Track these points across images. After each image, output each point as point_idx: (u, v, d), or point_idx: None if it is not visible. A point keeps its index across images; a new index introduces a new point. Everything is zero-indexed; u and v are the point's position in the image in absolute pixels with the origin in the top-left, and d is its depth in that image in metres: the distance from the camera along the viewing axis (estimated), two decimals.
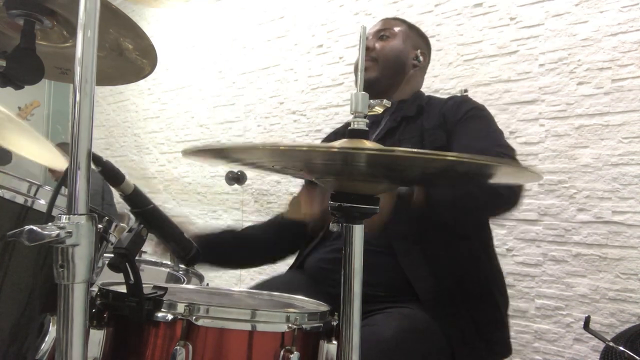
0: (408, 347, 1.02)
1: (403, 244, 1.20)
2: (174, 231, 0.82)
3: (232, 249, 1.44)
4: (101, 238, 0.88)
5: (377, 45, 1.44)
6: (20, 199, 0.83)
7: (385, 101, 0.79)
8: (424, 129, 1.31)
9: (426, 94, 1.47)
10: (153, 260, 1.89)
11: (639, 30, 1.81)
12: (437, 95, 1.49)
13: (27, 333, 0.84)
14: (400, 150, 0.61)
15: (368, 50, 1.44)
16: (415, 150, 0.59)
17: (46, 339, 0.84)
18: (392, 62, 1.43)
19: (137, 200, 0.78)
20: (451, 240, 1.21)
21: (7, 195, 0.82)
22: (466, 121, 1.27)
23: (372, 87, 1.40)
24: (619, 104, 1.83)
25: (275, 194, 2.96)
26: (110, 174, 0.74)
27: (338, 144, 0.72)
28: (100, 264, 0.92)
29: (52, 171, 3.98)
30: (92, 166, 0.69)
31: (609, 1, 1.88)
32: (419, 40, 1.51)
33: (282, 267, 1.52)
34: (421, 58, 1.47)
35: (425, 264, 1.17)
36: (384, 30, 1.47)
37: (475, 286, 1.24)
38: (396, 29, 1.47)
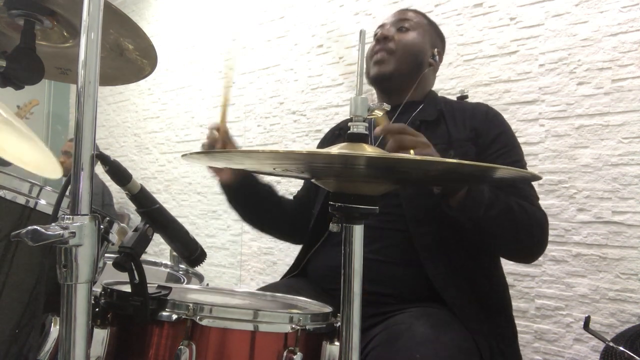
0: (442, 339, 1.01)
1: (430, 257, 1.15)
2: (179, 231, 0.82)
3: (266, 200, 1.47)
4: (102, 238, 0.88)
5: (397, 35, 1.33)
6: (21, 200, 0.83)
7: (385, 105, 0.78)
8: (453, 138, 1.23)
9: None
10: (153, 260, 1.89)
11: (639, 30, 1.81)
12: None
13: (28, 333, 0.84)
14: (399, 155, 0.62)
15: (386, 39, 1.32)
16: (413, 155, 0.59)
17: (47, 339, 0.84)
18: (411, 57, 1.32)
19: (143, 200, 0.78)
20: (475, 254, 1.19)
21: (9, 195, 0.82)
22: (499, 156, 1.22)
23: (386, 82, 1.32)
24: (619, 104, 1.83)
25: None
26: (117, 174, 0.74)
27: (338, 148, 0.72)
28: (101, 264, 0.92)
29: None
30: (100, 165, 0.69)
31: (609, 1, 1.88)
32: (436, 38, 1.42)
33: (282, 267, 1.52)
34: (437, 57, 1.37)
35: (451, 274, 1.15)
36: (404, 20, 1.36)
37: (493, 298, 1.23)
38: (416, 20, 1.37)
